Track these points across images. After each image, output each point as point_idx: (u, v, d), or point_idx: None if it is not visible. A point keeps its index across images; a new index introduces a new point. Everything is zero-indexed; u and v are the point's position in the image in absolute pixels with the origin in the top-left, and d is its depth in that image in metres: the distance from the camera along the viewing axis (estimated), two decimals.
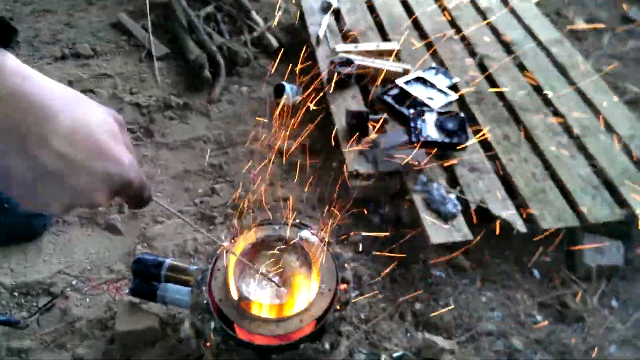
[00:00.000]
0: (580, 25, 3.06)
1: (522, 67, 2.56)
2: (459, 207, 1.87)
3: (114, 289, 1.76)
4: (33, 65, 2.56)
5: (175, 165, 2.22)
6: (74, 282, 1.79)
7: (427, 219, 1.86)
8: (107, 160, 0.56)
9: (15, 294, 1.76)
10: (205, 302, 1.19)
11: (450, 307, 1.74)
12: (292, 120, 2.34)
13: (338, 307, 1.20)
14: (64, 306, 1.72)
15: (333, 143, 2.14)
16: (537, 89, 2.43)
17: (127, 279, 1.78)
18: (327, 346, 1.15)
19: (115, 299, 1.74)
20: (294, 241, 1.26)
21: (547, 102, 2.36)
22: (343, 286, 1.24)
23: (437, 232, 1.82)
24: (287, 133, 2.31)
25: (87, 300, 1.76)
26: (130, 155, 0.60)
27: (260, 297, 1.18)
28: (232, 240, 1.27)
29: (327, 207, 1.98)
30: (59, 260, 1.86)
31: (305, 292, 1.19)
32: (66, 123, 0.53)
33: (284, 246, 1.26)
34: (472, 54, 2.62)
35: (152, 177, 2.17)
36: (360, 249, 1.94)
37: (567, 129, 2.26)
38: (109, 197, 0.59)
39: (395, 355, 1.63)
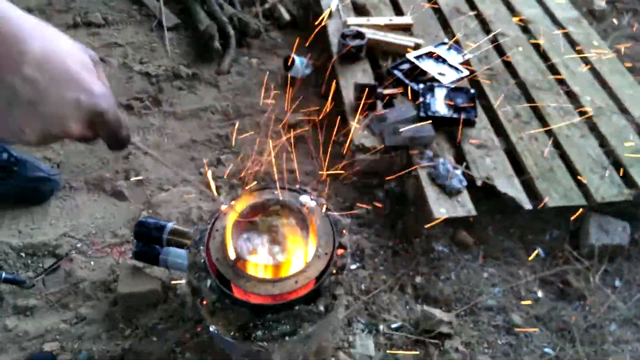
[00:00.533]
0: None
1: (537, 45, 2.50)
2: (464, 183, 1.85)
3: (117, 253, 1.79)
4: None
5: (183, 135, 2.23)
6: (78, 245, 1.82)
7: (432, 193, 1.84)
8: (77, 88, 0.57)
9: (22, 254, 1.79)
10: (202, 261, 1.20)
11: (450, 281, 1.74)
12: (301, 93, 2.34)
13: (334, 271, 1.20)
14: (68, 268, 1.75)
15: (341, 116, 2.13)
16: (551, 68, 2.38)
17: (131, 243, 1.80)
18: (321, 308, 1.16)
19: (119, 263, 1.77)
20: (292, 205, 1.26)
21: (560, 81, 2.31)
22: (340, 251, 1.24)
23: (441, 207, 1.80)
24: (295, 106, 2.30)
25: (92, 263, 1.78)
26: (103, 87, 0.61)
27: (257, 257, 1.18)
28: (231, 203, 1.27)
29: (329, 178, 1.98)
30: (64, 224, 1.88)
31: (302, 255, 1.19)
32: (37, 50, 0.54)
33: (282, 209, 1.26)
34: (487, 30, 2.57)
35: (159, 146, 2.18)
36: (364, 222, 1.94)
37: (580, 109, 2.21)
38: (83, 128, 0.60)
39: (393, 326, 1.64)
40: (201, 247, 1.23)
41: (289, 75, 2.46)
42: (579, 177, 1.91)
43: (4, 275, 1.60)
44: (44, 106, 0.55)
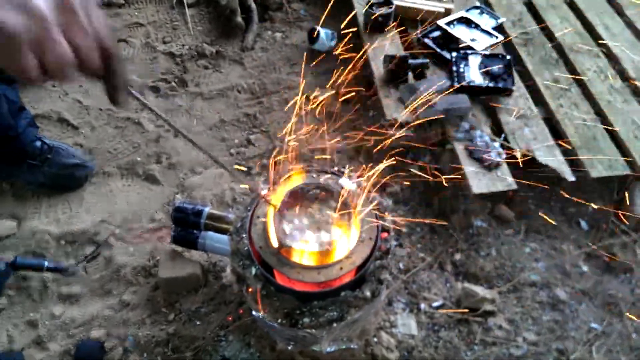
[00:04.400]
0: None
1: (572, 5, 2.37)
2: (503, 156, 1.79)
3: (156, 238, 1.80)
4: None
5: (211, 116, 2.20)
6: (117, 231, 1.83)
7: (469, 168, 1.79)
8: None
9: (62, 242, 1.81)
10: (245, 248, 1.18)
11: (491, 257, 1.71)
12: (327, 66, 2.27)
13: (379, 256, 1.18)
14: (108, 254, 1.77)
15: (371, 90, 2.07)
16: (590, 29, 2.26)
17: (168, 228, 1.81)
18: (367, 294, 1.14)
19: (157, 248, 1.78)
20: (333, 189, 1.23)
21: (600, 43, 2.20)
22: (384, 234, 1.21)
23: (480, 181, 1.75)
24: (323, 81, 2.24)
25: (131, 248, 1.80)
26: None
27: (301, 244, 1.16)
28: (270, 189, 1.25)
29: (366, 157, 1.94)
30: (101, 210, 1.90)
31: (346, 240, 1.16)
32: None
33: (323, 194, 1.23)
34: None
35: (189, 128, 2.16)
36: (399, 199, 1.91)
37: (621, 72, 2.11)
38: (57, 12, 0.53)
39: (434, 304, 1.62)
40: (243, 235, 1.21)
41: (314, 49, 2.40)
42: (623, 145, 1.83)
43: (46, 264, 1.63)
44: None
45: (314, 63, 2.33)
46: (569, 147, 1.83)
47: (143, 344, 1.55)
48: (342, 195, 1.22)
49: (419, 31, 2.23)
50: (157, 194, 1.95)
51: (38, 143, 1.88)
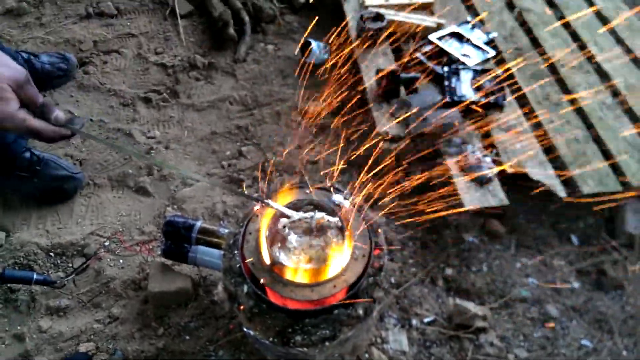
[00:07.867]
0: None
1: (564, 21, 2.41)
2: (495, 170, 1.80)
3: (146, 250, 1.78)
4: (58, 24, 2.53)
5: (202, 127, 2.19)
6: (106, 244, 1.82)
7: (461, 183, 1.79)
8: None
9: (51, 254, 1.79)
10: (237, 266, 1.17)
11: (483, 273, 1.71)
12: (319, 79, 2.28)
13: (371, 273, 1.18)
14: (97, 267, 1.75)
15: (363, 103, 2.07)
16: (580, 44, 2.29)
17: (158, 240, 1.80)
18: (360, 312, 1.14)
19: (147, 260, 1.76)
20: (326, 206, 1.22)
21: (591, 58, 2.23)
22: (376, 251, 1.21)
23: (471, 196, 1.76)
24: (314, 93, 2.25)
25: (120, 261, 1.78)
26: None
27: (294, 261, 1.16)
28: (263, 204, 1.24)
29: (358, 172, 1.94)
30: (91, 222, 1.88)
31: (339, 258, 1.16)
32: None
33: (316, 210, 1.23)
34: (511, 6, 2.47)
35: (180, 139, 2.15)
36: (390, 213, 1.91)
37: (612, 88, 2.13)
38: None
39: (426, 320, 1.62)
40: (235, 252, 1.21)
41: (307, 61, 2.40)
42: (614, 161, 1.84)
43: (35, 276, 1.60)
44: None
45: (306, 75, 2.33)
46: (561, 163, 1.85)
47: (132, 358, 1.53)
48: (335, 212, 1.21)
49: (411, 45, 2.25)
50: (147, 206, 1.94)
51: (27, 154, 1.85)
